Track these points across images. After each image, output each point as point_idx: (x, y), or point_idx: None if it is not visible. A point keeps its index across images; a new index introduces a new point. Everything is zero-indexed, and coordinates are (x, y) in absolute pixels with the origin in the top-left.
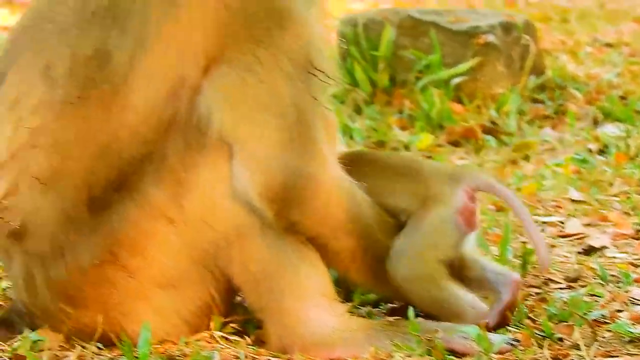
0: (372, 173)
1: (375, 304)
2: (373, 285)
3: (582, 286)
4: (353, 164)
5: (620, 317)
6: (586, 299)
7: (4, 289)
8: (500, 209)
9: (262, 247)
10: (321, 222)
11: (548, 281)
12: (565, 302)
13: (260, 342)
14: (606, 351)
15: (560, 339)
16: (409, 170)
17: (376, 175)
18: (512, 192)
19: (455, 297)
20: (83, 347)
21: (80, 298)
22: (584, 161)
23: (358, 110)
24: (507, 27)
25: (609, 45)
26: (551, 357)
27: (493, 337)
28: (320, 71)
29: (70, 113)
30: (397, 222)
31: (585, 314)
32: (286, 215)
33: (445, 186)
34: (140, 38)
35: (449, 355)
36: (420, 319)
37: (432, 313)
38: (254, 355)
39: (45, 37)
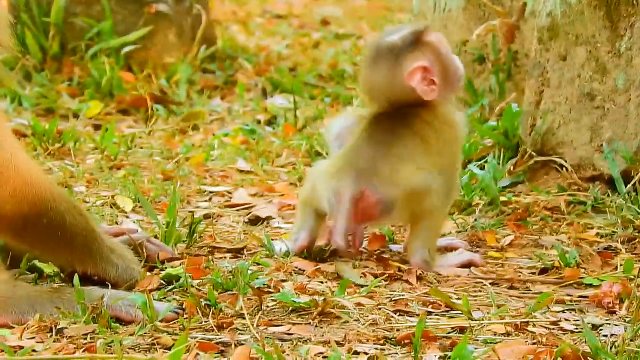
0: None
1: (42, 272)
2: (43, 254)
3: (248, 256)
4: None
5: (284, 286)
6: (252, 268)
7: None
8: (168, 178)
9: None
10: None
11: (214, 250)
12: (230, 272)
13: None
14: (270, 320)
15: (226, 308)
16: None
17: None
18: None
19: None
20: None
21: None
22: (252, 132)
23: (28, 77)
24: None
25: (279, 16)
26: (216, 326)
27: (158, 305)
28: None
29: None
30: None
31: (249, 283)
32: None
33: None
34: None
35: (115, 322)
36: (88, 287)
37: None
38: None
39: None
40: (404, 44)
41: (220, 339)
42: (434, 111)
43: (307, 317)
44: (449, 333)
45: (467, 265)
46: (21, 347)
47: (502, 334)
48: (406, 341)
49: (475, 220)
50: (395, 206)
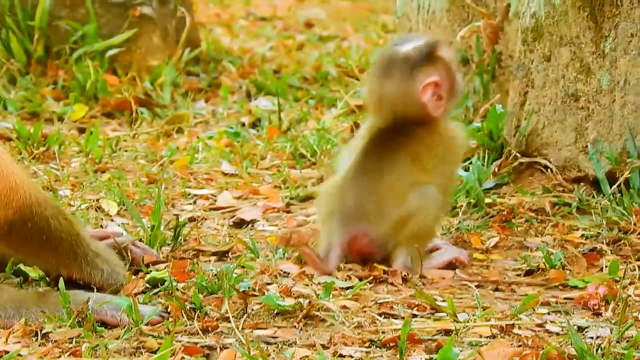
0: None
1: (27, 276)
2: (27, 258)
3: (233, 259)
4: None
5: (269, 289)
6: (237, 271)
7: None
8: (152, 181)
9: None
10: None
11: (199, 253)
12: (215, 275)
13: None
14: (255, 323)
15: (211, 311)
16: None
17: None
18: None
19: None
20: None
21: None
22: (236, 134)
23: (12, 81)
24: (163, 0)
25: (263, 19)
26: (201, 329)
27: (143, 308)
28: None
29: None
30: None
31: (234, 286)
32: None
33: None
34: None
35: (100, 326)
36: (73, 291)
37: None
38: None
39: None
40: (419, 57)
41: (205, 342)
42: (431, 129)
43: (292, 320)
44: (434, 335)
45: (453, 263)
46: (6, 352)
47: (488, 336)
48: (391, 344)
49: (460, 221)
50: (390, 237)
